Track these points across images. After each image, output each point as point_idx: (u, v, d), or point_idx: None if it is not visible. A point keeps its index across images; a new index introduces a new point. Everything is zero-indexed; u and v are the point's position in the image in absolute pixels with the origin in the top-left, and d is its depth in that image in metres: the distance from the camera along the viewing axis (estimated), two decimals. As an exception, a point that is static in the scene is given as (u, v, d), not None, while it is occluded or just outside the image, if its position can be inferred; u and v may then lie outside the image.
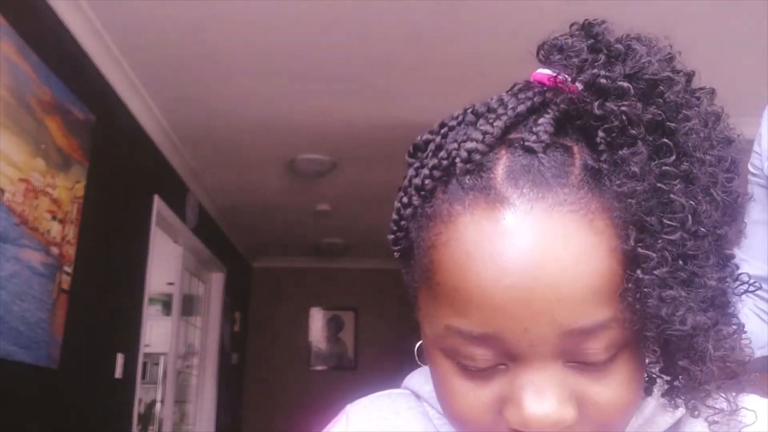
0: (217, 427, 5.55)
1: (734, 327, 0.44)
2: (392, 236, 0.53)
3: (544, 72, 0.49)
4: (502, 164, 0.46)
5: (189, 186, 4.46)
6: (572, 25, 0.51)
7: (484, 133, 0.47)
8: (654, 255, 0.42)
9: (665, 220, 0.42)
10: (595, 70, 0.45)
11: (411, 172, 0.52)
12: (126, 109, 3.28)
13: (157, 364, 5.33)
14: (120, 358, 3.23)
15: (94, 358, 2.98)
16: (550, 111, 0.47)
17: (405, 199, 0.51)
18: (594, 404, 0.45)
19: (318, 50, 2.96)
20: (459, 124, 0.51)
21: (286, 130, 3.82)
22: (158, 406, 5.25)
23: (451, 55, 2.98)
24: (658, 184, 0.42)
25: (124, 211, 3.35)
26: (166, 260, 4.28)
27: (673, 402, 0.48)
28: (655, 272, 0.41)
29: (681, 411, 0.51)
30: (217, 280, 5.64)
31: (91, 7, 2.66)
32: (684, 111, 0.44)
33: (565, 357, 0.44)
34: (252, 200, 5.16)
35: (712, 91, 0.48)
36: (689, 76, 0.47)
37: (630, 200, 0.42)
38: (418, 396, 0.61)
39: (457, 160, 0.47)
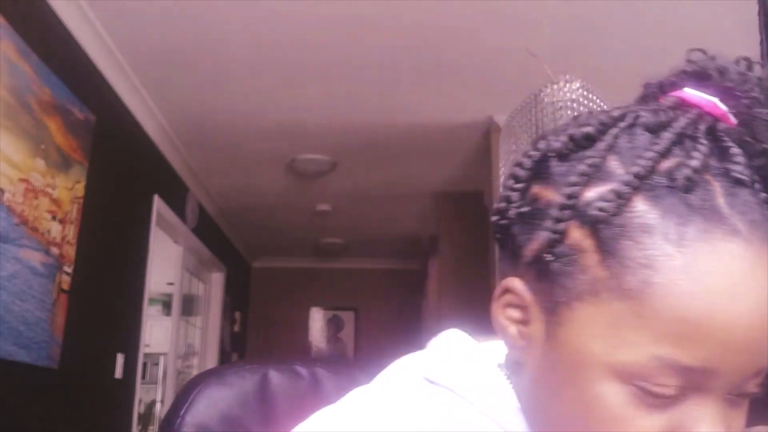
0: (217, 427, 5.54)
1: None
2: (553, 236, 0.47)
3: (707, 98, 0.49)
4: (718, 191, 0.45)
5: (189, 186, 4.46)
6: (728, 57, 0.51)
7: (704, 154, 0.46)
8: None
9: None
10: None
11: (581, 167, 0.48)
12: (126, 109, 3.28)
13: (157, 364, 5.33)
14: (120, 358, 3.23)
15: (94, 358, 2.98)
16: (728, 140, 0.47)
17: (594, 203, 0.46)
18: None
19: (318, 50, 2.96)
20: (630, 126, 0.49)
21: (286, 130, 3.82)
22: (158, 406, 5.26)
23: (451, 55, 2.98)
24: None
25: (124, 211, 3.35)
26: (166, 260, 4.28)
27: None
28: None
29: None
30: (217, 280, 5.63)
31: (91, 7, 2.66)
32: None
33: (734, 391, 0.46)
34: (252, 200, 5.16)
35: None
36: None
37: None
38: (460, 396, 0.53)
39: (679, 175, 0.45)
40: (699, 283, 0.43)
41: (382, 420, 0.50)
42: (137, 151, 3.52)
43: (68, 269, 2.60)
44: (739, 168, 0.45)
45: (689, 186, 0.44)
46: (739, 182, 0.45)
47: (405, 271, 6.99)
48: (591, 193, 0.47)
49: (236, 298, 6.28)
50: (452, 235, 4.63)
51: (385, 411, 0.51)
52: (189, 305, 5.21)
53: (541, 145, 0.51)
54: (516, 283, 0.51)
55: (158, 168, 3.88)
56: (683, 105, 0.49)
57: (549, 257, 0.48)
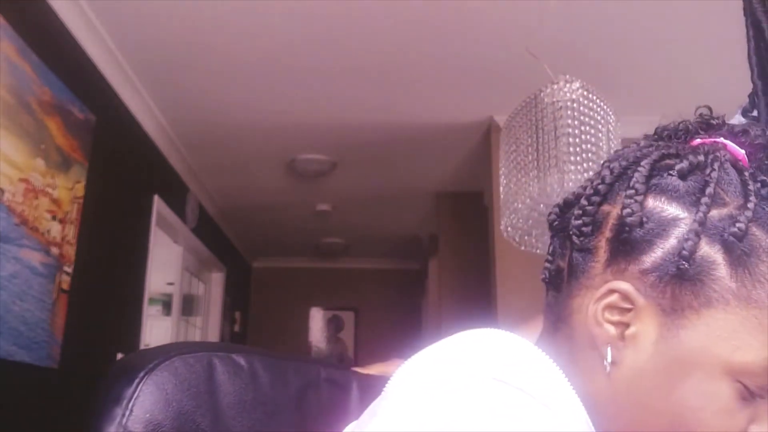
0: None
1: None
2: (692, 248, 0.54)
3: (741, 151, 0.59)
4: None
5: (189, 186, 4.46)
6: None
7: None
8: None
9: None
10: None
11: (709, 190, 0.55)
12: (126, 109, 3.28)
13: (157, 364, 5.32)
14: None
15: (94, 358, 2.98)
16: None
17: (729, 224, 0.54)
18: None
19: (318, 50, 2.96)
20: (722, 162, 0.57)
21: (286, 130, 3.82)
22: (158, 406, 5.24)
23: (451, 55, 2.98)
24: None
25: (124, 211, 3.35)
26: (166, 260, 4.28)
27: None
28: None
29: None
30: (217, 280, 5.64)
31: (91, 7, 2.66)
32: None
33: None
34: (252, 200, 5.16)
35: None
36: None
37: None
38: (535, 399, 0.53)
39: None
40: None
41: (469, 421, 0.50)
42: (137, 151, 3.52)
43: (68, 269, 2.60)
44: None
45: None
46: None
47: (405, 271, 6.99)
48: (715, 214, 0.54)
49: (236, 298, 6.28)
50: (452, 235, 4.63)
51: (471, 412, 0.51)
52: (189, 305, 5.21)
53: (646, 163, 0.58)
54: (626, 286, 0.56)
55: (158, 168, 3.88)
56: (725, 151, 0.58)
57: (684, 265, 0.54)
